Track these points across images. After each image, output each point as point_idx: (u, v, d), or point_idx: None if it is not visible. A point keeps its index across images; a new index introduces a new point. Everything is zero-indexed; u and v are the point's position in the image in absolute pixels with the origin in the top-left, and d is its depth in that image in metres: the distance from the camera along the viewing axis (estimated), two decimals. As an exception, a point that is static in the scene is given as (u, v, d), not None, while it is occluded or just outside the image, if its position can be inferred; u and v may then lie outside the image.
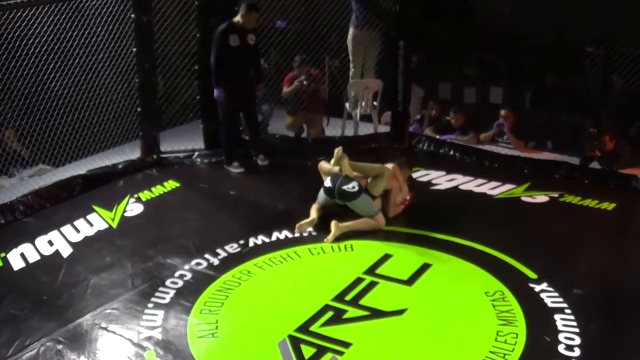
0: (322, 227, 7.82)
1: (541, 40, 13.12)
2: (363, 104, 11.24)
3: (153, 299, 6.49)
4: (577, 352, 5.63)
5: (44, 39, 9.05)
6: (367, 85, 11.25)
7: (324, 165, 8.33)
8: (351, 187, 7.86)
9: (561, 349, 5.67)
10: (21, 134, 9.34)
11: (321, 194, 8.10)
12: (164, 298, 6.51)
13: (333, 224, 7.64)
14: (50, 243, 7.73)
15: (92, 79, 9.59)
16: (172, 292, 6.60)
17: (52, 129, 9.36)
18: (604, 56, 12.53)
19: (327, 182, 8.01)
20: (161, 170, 9.85)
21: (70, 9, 9.00)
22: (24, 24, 8.63)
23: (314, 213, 8.01)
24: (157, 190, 9.12)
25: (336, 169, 8.08)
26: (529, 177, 9.48)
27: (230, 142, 9.89)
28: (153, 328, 6.04)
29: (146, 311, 6.31)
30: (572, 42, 13.26)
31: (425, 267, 6.99)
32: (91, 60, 9.44)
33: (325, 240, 7.57)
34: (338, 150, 8.02)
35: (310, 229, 7.84)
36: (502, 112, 11.31)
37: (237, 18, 9.39)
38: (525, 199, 8.85)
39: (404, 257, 7.22)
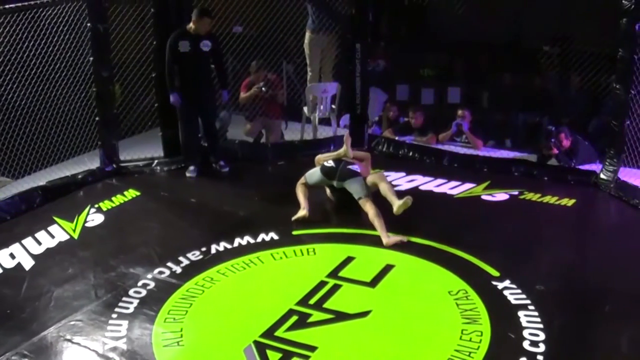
0: (284, 232, 7.87)
1: (497, 40, 13.19)
2: (321, 107, 11.26)
3: (117, 309, 6.45)
4: (542, 347, 5.69)
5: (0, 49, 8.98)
6: (325, 88, 11.27)
7: (322, 156, 8.84)
8: (355, 167, 8.30)
9: (526, 345, 5.73)
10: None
11: (315, 174, 8.41)
12: (127, 308, 6.48)
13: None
14: (12, 256, 7.63)
15: (49, 89, 9.49)
16: (135, 302, 6.57)
17: (9, 140, 9.27)
18: (560, 54, 12.65)
19: (330, 162, 8.39)
20: (121, 180, 9.78)
21: (26, 19, 8.93)
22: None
23: (302, 199, 8.25)
24: (118, 199, 9.06)
25: (341, 152, 8.59)
26: (489, 176, 9.57)
27: (188, 147, 9.89)
28: (118, 338, 6.01)
29: (110, 322, 6.27)
30: (528, 41, 13.36)
31: (388, 268, 7.03)
32: (48, 70, 9.36)
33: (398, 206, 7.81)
34: (347, 134, 8.99)
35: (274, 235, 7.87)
36: (460, 111, 11.36)
37: (190, 24, 9.38)
38: (485, 197, 8.93)
39: (367, 259, 7.26)
